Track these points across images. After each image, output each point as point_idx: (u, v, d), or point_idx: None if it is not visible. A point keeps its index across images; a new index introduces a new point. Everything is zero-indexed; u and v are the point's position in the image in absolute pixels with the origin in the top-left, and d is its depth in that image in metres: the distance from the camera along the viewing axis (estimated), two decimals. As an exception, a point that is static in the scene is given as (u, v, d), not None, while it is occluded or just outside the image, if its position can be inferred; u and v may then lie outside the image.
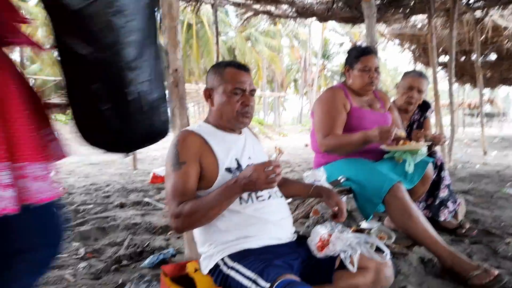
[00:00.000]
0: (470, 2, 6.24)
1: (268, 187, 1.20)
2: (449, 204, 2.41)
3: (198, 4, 6.42)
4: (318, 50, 34.24)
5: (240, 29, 24.27)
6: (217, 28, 6.70)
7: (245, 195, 1.36)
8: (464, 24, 7.99)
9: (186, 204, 1.24)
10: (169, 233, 2.47)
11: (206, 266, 1.33)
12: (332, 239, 1.36)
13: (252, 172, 1.19)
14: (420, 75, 2.60)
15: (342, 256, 1.31)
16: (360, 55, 2.14)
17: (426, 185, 2.16)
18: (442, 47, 9.37)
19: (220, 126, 1.46)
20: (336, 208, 1.47)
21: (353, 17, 6.31)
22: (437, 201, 2.40)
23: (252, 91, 1.42)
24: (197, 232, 1.39)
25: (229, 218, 1.33)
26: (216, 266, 1.30)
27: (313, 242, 1.39)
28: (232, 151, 1.37)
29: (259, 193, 1.39)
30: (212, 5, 6.35)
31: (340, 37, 32.80)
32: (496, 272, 1.57)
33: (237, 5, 6.58)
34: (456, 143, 8.09)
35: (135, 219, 2.78)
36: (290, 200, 2.63)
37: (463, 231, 2.35)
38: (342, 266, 1.35)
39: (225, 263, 1.28)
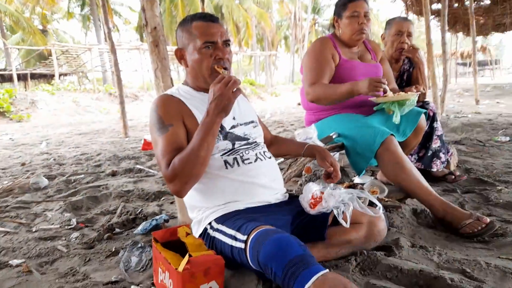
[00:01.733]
0: None
1: (234, 95, 1.17)
2: (441, 154, 2.40)
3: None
4: (308, 3, 33.11)
5: (226, -14, 23.28)
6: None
7: (230, 159, 1.32)
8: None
9: (175, 158, 1.19)
10: (162, 198, 2.45)
11: (196, 232, 1.33)
12: (325, 195, 1.35)
13: (213, 92, 1.18)
14: (405, 18, 2.55)
15: (335, 212, 1.30)
16: (348, 2, 2.05)
17: (419, 136, 2.13)
18: (435, -6, 9.05)
19: (198, 87, 1.38)
20: (331, 169, 1.45)
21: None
22: (429, 153, 2.39)
23: (226, 42, 1.32)
24: (187, 198, 1.36)
25: (216, 183, 1.30)
26: (205, 230, 1.30)
27: (306, 199, 1.37)
28: None
29: (245, 156, 1.35)
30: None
31: (330, -11, 31.65)
32: (488, 219, 1.57)
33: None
34: (448, 94, 8.05)
35: (127, 186, 2.76)
36: (282, 159, 2.62)
37: (453, 177, 2.36)
38: (335, 222, 1.34)
39: (211, 227, 1.28)
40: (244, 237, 1.12)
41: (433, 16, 10.09)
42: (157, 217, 1.89)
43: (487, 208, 1.91)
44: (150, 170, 3.34)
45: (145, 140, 4.58)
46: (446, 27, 6.77)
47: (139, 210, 2.09)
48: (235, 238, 1.16)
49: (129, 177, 3.14)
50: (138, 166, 3.50)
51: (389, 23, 2.56)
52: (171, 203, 2.32)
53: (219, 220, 1.27)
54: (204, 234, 1.30)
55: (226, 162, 1.32)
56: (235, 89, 1.18)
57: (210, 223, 1.29)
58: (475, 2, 10.17)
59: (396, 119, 1.95)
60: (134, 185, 2.83)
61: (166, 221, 1.88)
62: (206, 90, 1.37)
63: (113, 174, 3.28)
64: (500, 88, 13.90)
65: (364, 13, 2.03)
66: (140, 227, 1.82)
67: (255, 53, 29.00)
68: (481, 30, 15.45)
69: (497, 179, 2.38)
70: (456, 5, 11.04)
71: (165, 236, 1.33)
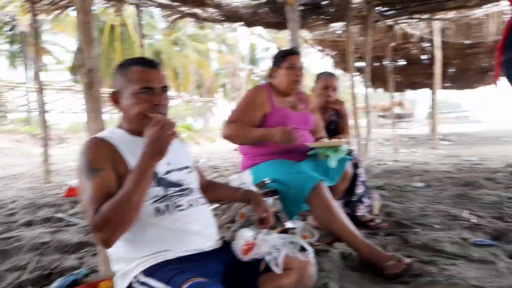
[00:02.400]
0: (382, 10, 6.80)
1: (170, 138, 1.16)
2: (365, 199, 2.56)
3: (121, 4, 6.11)
4: (246, 55, 34.74)
5: (167, 32, 23.65)
6: (141, 30, 6.43)
7: (161, 206, 1.28)
8: (377, 32, 8.70)
9: (105, 205, 1.12)
10: (83, 250, 2.26)
11: (120, 286, 1.23)
12: (258, 241, 1.36)
13: (148, 135, 1.16)
14: (331, 74, 2.84)
15: (267, 258, 1.30)
16: (287, 54, 2.24)
17: (346, 182, 2.27)
18: (359, 53, 10.08)
19: (133, 131, 1.35)
20: (264, 215, 1.47)
21: (278, 22, 6.50)
22: (355, 198, 2.54)
23: (164, 88, 1.32)
24: (112, 248, 1.27)
25: (144, 232, 1.24)
26: (130, 284, 1.21)
27: (239, 245, 1.37)
28: None
29: (178, 203, 1.32)
30: (136, 6, 6.08)
31: (266, 42, 33.71)
32: (407, 260, 1.69)
33: (163, 6, 6.38)
34: (371, 143, 8.73)
35: (44, 237, 2.50)
36: (216, 205, 2.59)
37: (375, 224, 2.51)
38: (267, 269, 1.34)
39: (138, 280, 1.20)
40: None
41: (357, 72, 11.16)
42: (76, 271, 1.73)
43: (406, 250, 2.05)
44: (72, 219, 3.08)
45: (69, 186, 4.27)
46: (368, 83, 7.51)
47: (56, 265, 1.90)
48: None
49: (46, 227, 2.86)
50: (57, 215, 3.21)
51: (317, 77, 2.83)
52: (94, 255, 2.14)
53: (147, 272, 1.20)
54: (129, 289, 1.21)
55: (157, 209, 1.27)
56: (170, 131, 1.17)
57: (136, 276, 1.21)
58: (392, 62, 11.48)
59: (333, 163, 2.07)
60: (51, 236, 2.57)
61: (87, 275, 1.73)
62: (140, 134, 1.34)
63: (28, 224, 2.96)
64: (415, 138, 15.45)
65: (300, 67, 2.22)
66: (55, 284, 1.64)
67: (193, 99, 29.25)
68: (398, 87, 17.31)
69: (414, 222, 2.58)
70: (376, 64, 12.35)
71: (85, 291, 1.22)
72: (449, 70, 13.86)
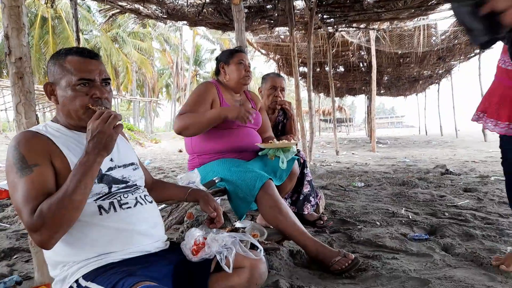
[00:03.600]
0: (324, 17, 7.07)
1: (116, 131, 1.08)
2: (311, 198, 2.62)
3: (53, -6, 5.68)
4: (190, 56, 34.27)
5: (105, 28, 22.54)
6: (77, 24, 6.03)
7: (106, 204, 1.19)
8: (319, 38, 9.03)
9: (43, 204, 1.02)
10: (14, 257, 2.05)
11: (58, 292, 1.13)
12: (208, 240, 1.32)
13: (91, 129, 1.08)
14: (278, 75, 2.92)
15: (218, 257, 1.27)
16: (235, 52, 2.27)
17: (293, 181, 2.30)
18: (302, 58, 10.41)
19: (71, 125, 1.25)
20: (214, 214, 1.43)
21: (223, 23, 6.48)
22: (301, 197, 2.59)
23: (105, 80, 1.23)
24: (48, 252, 1.16)
25: (86, 233, 1.14)
26: (69, 290, 1.11)
27: (188, 245, 1.32)
28: None
29: (124, 200, 1.24)
30: (71, -2, 5.69)
31: (211, 44, 33.48)
32: (353, 256, 1.75)
33: (101, 0, 6.04)
34: (314, 145, 9.03)
35: (-33, 244, 2.24)
36: (162, 206, 2.50)
37: (322, 222, 2.59)
38: (217, 268, 1.31)
39: (78, 285, 1.10)
40: None
41: (301, 77, 11.52)
42: (7, 279, 1.56)
43: (351, 246, 2.13)
44: (1, 224, 2.80)
45: (-5, 188, 3.87)
46: (311, 87, 7.76)
47: (-19, 273, 1.70)
48: None
49: (-31, 234, 2.56)
50: (-17, 220, 2.90)
51: (264, 78, 2.87)
52: (27, 261, 1.96)
53: (89, 276, 1.10)
54: (69, 294, 1.11)
55: (100, 207, 1.18)
56: (116, 124, 1.09)
57: (77, 281, 1.11)
58: (333, 68, 11.99)
59: (283, 165, 2.09)
60: (-24, 242, 2.31)
61: (19, 283, 1.57)
62: (80, 129, 1.24)
63: None
64: (354, 141, 16.28)
65: (248, 64, 2.26)
66: (-20, 294, 1.47)
67: (135, 98, 28.17)
68: (338, 92, 18.18)
69: (357, 219, 2.70)
70: (318, 69, 12.83)
71: (17, 300, 1.09)
72: (385, 77, 14.86)
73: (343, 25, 7.78)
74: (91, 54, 1.23)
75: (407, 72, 13.75)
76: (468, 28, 1.25)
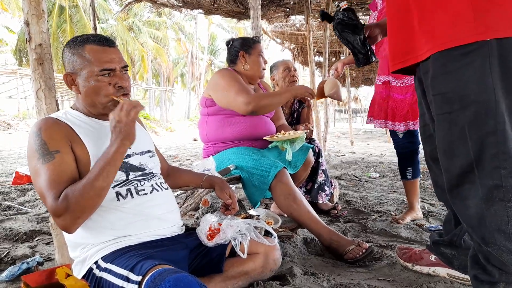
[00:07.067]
0: (340, 5, 6.92)
1: (133, 119, 1.12)
2: (326, 188, 2.62)
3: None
4: (205, 45, 34.23)
5: (121, 17, 22.68)
6: (94, 12, 6.07)
7: (123, 190, 1.22)
8: (335, 27, 8.83)
9: (68, 190, 1.06)
10: (36, 239, 2.12)
11: (78, 273, 1.17)
12: (223, 226, 1.34)
13: (113, 120, 1.12)
14: (284, 59, 3.02)
15: (233, 243, 1.29)
16: (256, 42, 2.28)
17: (308, 169, 2.30)
18: (317, 48, 10.27)
19: (91, 113, 1.27)
20: (229, 201, 1.45)
21: (238, 12, 6.42)
22: (316, 186, 2.59)
23: (124, 68, 1.25)
24: (69, 234, 1.20)
25: (105, 217, 1.18)
26: (90, 270, 1.14)
27: (203, 231, 1.34)
28: (108, 141, 1.16)
29: (140, 187, 1.26)
30: (87, -14, 5.72)
31: (225, 33, 33.35)
32: (367, 245, 1.75)
33: (117, -12, 6.06)
34: (329, 136, 8.97)
35: (-9, 226, 2.32)
36: (178, 192, 2.53)
37: (336, 212, 2.58)
38: (232, 253, 1.33)
39: (98, 266, 1.13)
40: (138, 278, 1.01)
41: (316, 66, 11.38)
42: (29, 259, 1.62)
43: (365, 235, 2.12)
44: (22, 207, 2.89)
45: (17, 173, 3.99)
46: (326, 77, 7.68)
47: (5, 253, 1.77)
48: (128, 279, 1.04)
49: (-7, 216, 2.65)
50: (6, 203, 3.00)
51: (274, 65, 2.93)
52: (47, 243, 2.02)
53: (108, 258, 1.14)
54: (89, 274, 1.14)
55: (118, 193, 1.21)
56: (135, 114, 1.12)
57: (96, 262, 1.15)
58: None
59: (289, 156, 2.08)
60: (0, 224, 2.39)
61: (41, 264, 1.62)
62: (99, 116, 1.27)
63: (-29, 213, 2.73)
64: (369, 132, 16.10)
65: (263, 55, 2.29)
66: (5, 273, 1.52)
67: (151, 87, 28.41)
68: (354, 82, 17.92)
69: (372, 210, 2.69)
70: (334, 59, 12.65)
71: (40, 279, 1.14)
72: (402, 67, 14.54)
73: (361, 13, 7.61)
74: (109, 42, 1.24)
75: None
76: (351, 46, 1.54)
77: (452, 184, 1.13)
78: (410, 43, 1.16)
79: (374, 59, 1.56)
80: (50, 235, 1.96)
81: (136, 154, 1.32)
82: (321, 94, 2.19)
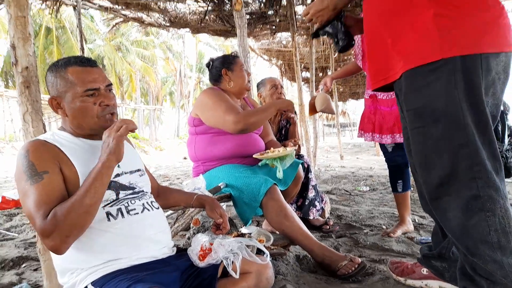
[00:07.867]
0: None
1: (121, 135, 1.13)
2: (316, 203, 2.62)
3: (57, 5, 5.74)
4: (193, 63, 34.46)
5: (109, 37, 22.76)
6: (81, 33, 6.10)
7: (113, 210, 1.21)
8: (321, 43, 9.05)
9: (56, 208, 1.05)
10: (23, 265, 2.07)
11: (67, 299, 1.14)
12: (214, 246, 1.33)
13: (103, 137, 1.15)
14: (271, 76, 3.09)
15: (224, 262, 1.28)
16: (235, 57, 2.31)
17: (298, 185, 2.31)
18: (304, 63, 10.43)
19: (79, 134, 1.27)
20: (220, 220, 1.45)
21: (225, 30, 6.52)
22: (307, 202, 2.59)
23: (108, 86, 1.25)
24: (58, 259, 1.18)
25: (95, 239, 1.16)
26: (78, 297, 1.12)
27: (194, 251, 1.33)
28: (97, 159, 1.16)
29: (131, 206, 1.25)
30: (75, 8, 5.75)
31: (213, 51, 33.66)
32: (359, 260, 1.75)
33: (104, 9, 6.11)
34: (318, 150, 9.02)
35: (-25, 253, 2.26)
36: (169, 212, 2.51)
37: (328, 227, 2.58)
38: (224, 274, 1.32)
39: None
40: None
41: (303, 82, 11.53)
42: (16, 287, 1.58)
43: (357, 250, 2.12)
44: (8, 233, 2.82)
45: (3, 197, 3.90)
46: (314, 92, 7.78)
47: (-10, 282, 1.72)
48: None
49: (-23, 243, 2.58)
50: (-9, 229, 2.93)
51: (261, 82, 2.99)
52: (35, 270, 1.97)
53: (98, 282, 1.12)
54: (78, 301, 1.12)
55: (108, 213, 1.20)
56: (125, 133, 1.14)
57: (86, 287, 1.13)
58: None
59: (279, 174, 2.09)
60: (-16, 251, 2.33)
61: (28, 291, 1.58)
62: (87, 137, 1.27)
63: (-45, 240, 2.65)
64: (358, 146, 16.25)
65: (246, 69, 2.32)
66: (-10, 303, 1.48)
67: (139, 106, 28.34)
68: (341, 96, 18.16)
69: (363, 224, 2.69)
70: (320, 74, 12.84)
71: (27, 308, 1.11)
72: (387, 81, 14.82)
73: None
74: (91, 63, 1.26)
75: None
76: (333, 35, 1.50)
77: (431, 197, 1.16)
78: (386, 63, 1.22)
79: (353, 42, 1.53)
80: (38, 261, 1.92)
81: (125, 173, 1.32)
82: (313, 109, 2.22)
